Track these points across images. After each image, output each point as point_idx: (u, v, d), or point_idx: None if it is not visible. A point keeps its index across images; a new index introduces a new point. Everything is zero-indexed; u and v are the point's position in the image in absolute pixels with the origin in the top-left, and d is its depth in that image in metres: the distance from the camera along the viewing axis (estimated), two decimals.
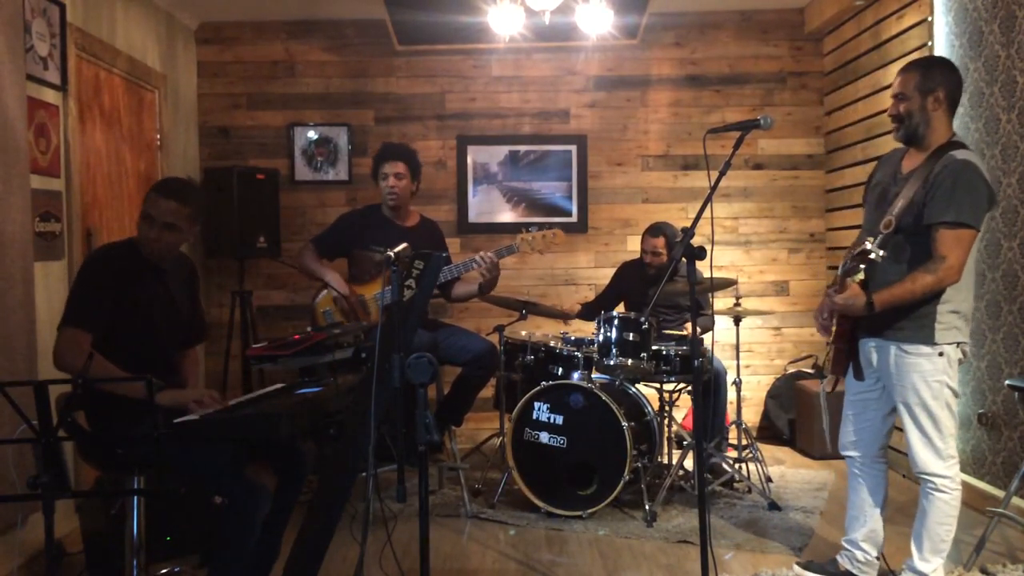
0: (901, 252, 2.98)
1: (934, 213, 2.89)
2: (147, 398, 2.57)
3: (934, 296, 2.94)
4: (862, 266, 2.94)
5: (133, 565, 2.96)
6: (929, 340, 2.96)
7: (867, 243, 2.86)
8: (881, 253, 2.85)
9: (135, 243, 3.09)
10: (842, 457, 3.35)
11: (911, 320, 2.97)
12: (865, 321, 3.05)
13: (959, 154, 2.93)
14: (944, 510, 3.01)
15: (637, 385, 4.55)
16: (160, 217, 3.00)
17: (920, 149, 3.05)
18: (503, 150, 5.88)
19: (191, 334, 3.31)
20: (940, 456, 3.00)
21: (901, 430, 3.10)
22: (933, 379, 2.97)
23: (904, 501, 4.09)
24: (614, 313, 4.28)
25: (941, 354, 2.96)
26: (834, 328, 3.16)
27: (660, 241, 4.85)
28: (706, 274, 4.45)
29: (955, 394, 3.03)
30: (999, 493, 3.86)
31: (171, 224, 3.01)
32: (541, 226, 4.42)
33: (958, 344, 3.00)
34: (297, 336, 3.03)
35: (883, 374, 3.10)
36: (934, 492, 3.01)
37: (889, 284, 2.94)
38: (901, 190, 3.00)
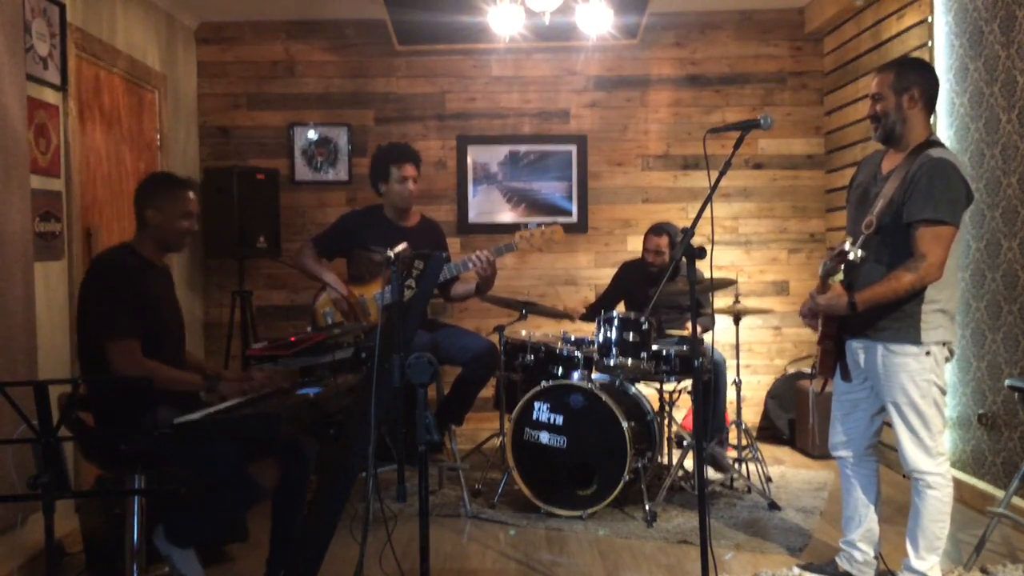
0: (882, 252, 3.01)
1: (913, 211, 2.92)
2: (199, 392, 2.99)
3: (917, 294, 2.95)
4: (841, 266, 2.96)
5: (133, 565, 2.97)
6: (915, 340, 2.97)
7: (845, 243, 2.89)
8: (860, 253, 2.87)
9: (131, 246, 3.18)
10: (834, 458, 3.36)
11: (897, 320, 2.99)
12: (851, 322, 3.07)
13: (935, 152, 2.96)
14: (937, 507, 3.02)
15: (637, 385, 4.55)
16: (196, 209, 3.23)
17: (898, 149, 3.08)
18: (503, 150, 5.88)
19: (183, 330, 3.39)
20: (930, 454, 3.02)
21: (891, 427, 3.11)
22: (921, 378, 2.98)
23: (904, 501, 4.07)
24: (614, 313, 4.28)
25: (928, 353, 2.98)
26: (820, 329, 3.17)
27: (664, 240, 4.86)
28: (706, 274, 4.45)
29: (943, 392, 3.04)
30: (999, 493, 3.86)
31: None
32: (540, 224, 4.41)
33: (944, 343, 3.02)
34: (294, 338, 3.05)
35: (871, 374, 3.11)
36: (926, 490, 3.03)
37: (872, 284, 2.96)
38: (881, 190, 3.03)
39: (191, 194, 3.21)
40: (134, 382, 2.83)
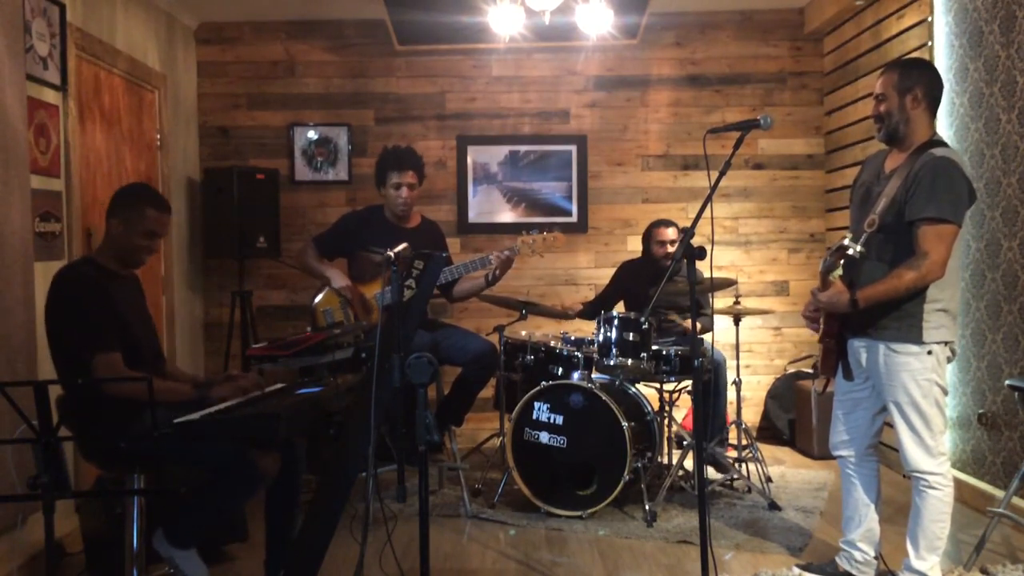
0: (885, 250, 3.01)
1: (915, 210, 2.92)
2: (196, 399, 2.90)
3: (919, 293, 2.95)
4: (841, 262, 2.97)
5: (133, 566, 2.97)
6: (917, 339, 2.97)
7: (845, 239, 2.89)
8: (859, 248, 2.88)
9: (93, 258, 3.15)
10: (835, 457, 3.36)
11: (899, 319, 2.99)
12: (853, 321, 3.07)
13: (938, 151, 2.96)
14: (938, 507, 3.02)
15: (637, 385, 4.55)
16: (163, 231, 3.15)
17: (902, 148, 3.08)
18: (503, 150, 5.88)
19: (158, 339, 3.36)
20: (931, 454, 3.02)
21: (892, 427, 3.11)
22: (922, 378, 2.98)
23: (904, 501, 4.07)
24: (614, 313, 4.28)
25: (930, 352, 2.98)
26: (822, 327, 3.17)
27: (673, 230, 4.90)
28: (706, 274, 4.45)
29: (944, 392, 3.04)
30: (999, 493, 3.86)
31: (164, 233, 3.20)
32: (541, 228, 4.43)
33: (946, 343, 3.02)
34: (307, 332, 3.05)
35: (872, 374, 3.11)
36: (927, 490, 3.03)
37: (874, 282, 2.96)
38: (883, 189, 3.03)
39: (163, 215, 3.11)
40: (135, 380, 2.83)
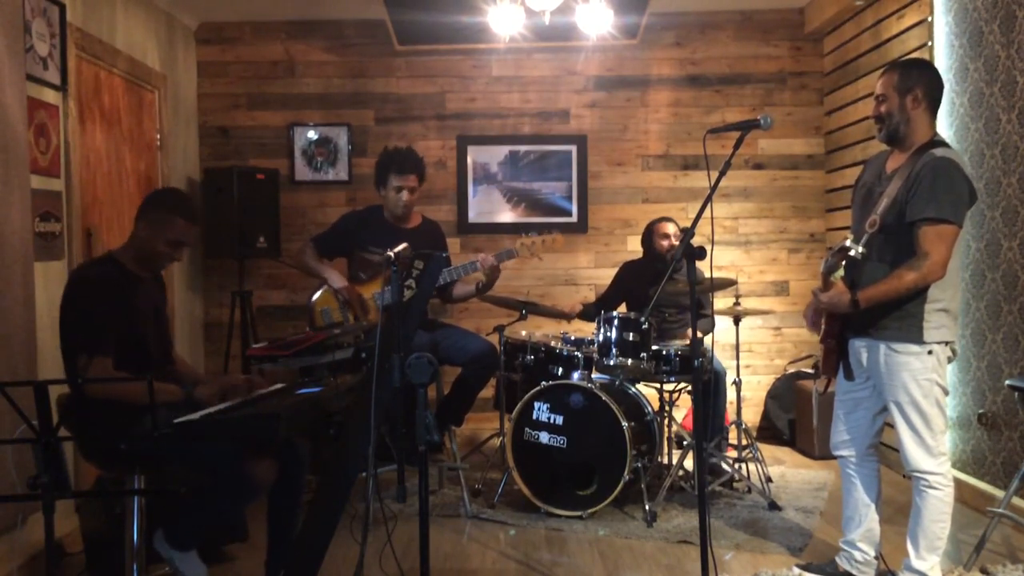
0: (886, 251, 3.01)
1: (916, 210, 2.93)
2: (184, 400, 2.86)
3: (920, 293, 2.96)
4: (843, 263, 2.97)
5: (133, 566, 2.97)
6: (918, 339, 2.98)
7: (847, 240, 2.90)
8: (860, 250, 2.89)
9: (115, 257, 3.13)
10: (836, 457, 3.36)
11: (900, 319, 2.99)
12: (854, 321, 3.07)
13: (939, 152, 2.97)
14: (938, 507, 3.02)
15: (637, 385, 4.55)
16: (190, 242, 3.16)
17: (903, 149, 3.09)
18: (503, 150, 5.88)
19: (171, 341, 3.36)
20: (931, 454, 3.02)
21: (893, 427, 3.11)
22: (923, 377, 2.99)
23: (904, 501, 4.08)
24: (614, 313, 4.28)
25: (930, 352, 2.98)
26: (823, 327, 3.18)
27: (673, 226, 4.92)
28: (706, 274, 4.45)
29: (945, 392, 3.05)
30: (999, 493, 3.86)
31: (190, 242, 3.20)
32: (540, 229, 4.43)
33: (947, 343, 3.02)
34: (307, 332, 3.04)
35: (873, 373, 3.11)
36: (927, 490, 3.03)
37: (875, 282, 2.96)
38: (885, 189, 3.04)
39: (192, 226, 3.11)
40: (134, 379, 2.83)
